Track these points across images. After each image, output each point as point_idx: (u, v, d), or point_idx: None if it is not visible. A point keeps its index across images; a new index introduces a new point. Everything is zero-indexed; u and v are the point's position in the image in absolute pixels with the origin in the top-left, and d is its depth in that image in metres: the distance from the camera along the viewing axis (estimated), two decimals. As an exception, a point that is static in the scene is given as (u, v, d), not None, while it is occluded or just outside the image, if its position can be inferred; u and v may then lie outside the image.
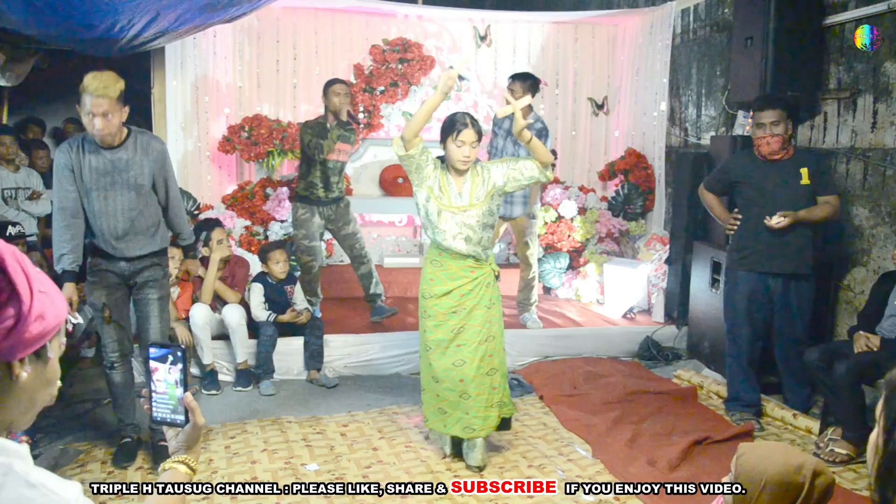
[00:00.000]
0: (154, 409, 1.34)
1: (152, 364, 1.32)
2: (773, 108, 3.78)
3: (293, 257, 5.42)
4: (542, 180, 3.39)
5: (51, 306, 1.01)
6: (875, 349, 3.41)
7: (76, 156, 3.23)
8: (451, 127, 3.29)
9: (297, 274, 5.01)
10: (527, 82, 4.91)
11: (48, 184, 5.33)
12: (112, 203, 3.27)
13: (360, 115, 6.29)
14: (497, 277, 3.50)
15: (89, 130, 3.16)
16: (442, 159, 3.41)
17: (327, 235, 5.87)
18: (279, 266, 4.65)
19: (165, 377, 1.32)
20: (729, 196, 4.12)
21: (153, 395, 1.34)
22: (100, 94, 3.05)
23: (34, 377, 1.01)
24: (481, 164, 3.42)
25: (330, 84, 4.78)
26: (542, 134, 4.87)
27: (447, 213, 3.31)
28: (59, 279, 3.19)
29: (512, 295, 5.98)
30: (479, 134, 3.32)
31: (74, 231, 3.27)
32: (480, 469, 3.40)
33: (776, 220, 3.74)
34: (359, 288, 5.61)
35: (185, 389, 1.33)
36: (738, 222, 3.96)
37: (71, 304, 3.19)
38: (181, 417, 1.33)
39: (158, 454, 3.43)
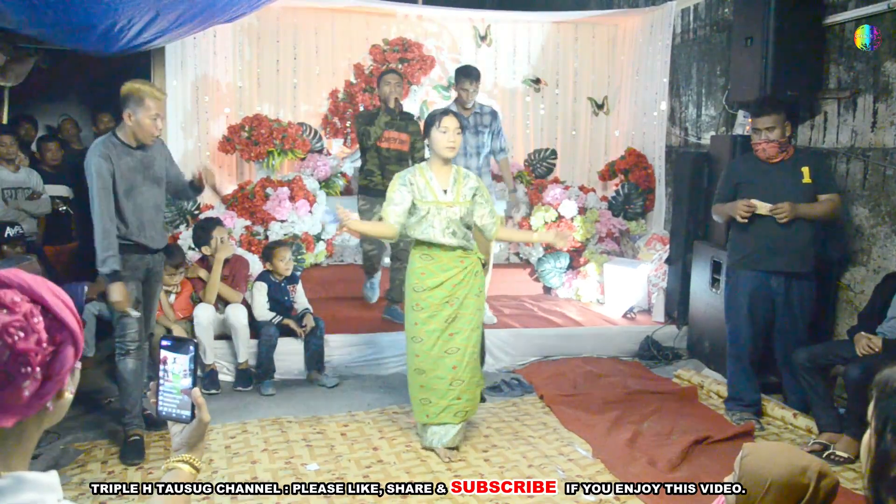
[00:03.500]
0: (160, 402, 1.30)
1: (163, 353, 1.29)
2: (768, 113, 3.77)
3: (296, 257, 5.43)
4: (485, 235, 3.65)
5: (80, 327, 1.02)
6: (876, 350, 3.41)
7: (115, 160, 3.38)
8: (432, 118, 3.51)
9: (299, 273, 5.00)
10: (472, 76, 5.14)
11: (49, 181, 5.32)
12: (143, 198, 3.48)
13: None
14: (484, 265, 3.67)
15: (150, 131, 3.37)
16: (423, 160, 3.62)
17: (329, 235, 5.86)
18: (284, 263, 4.65)
19: (174, 368, 1.28)
20: (733, 199, 4.10)
21: (161, 386, 1.29)
22: (159, 97, 3.33)
23: (54, 409, 1.00)
24: (468, 174, 3.61)
25: (382, 74, 5.03)
26: (495, 117, 5.26)
27: (434, 209, 3.46)
28: (104, 277, 3.38)
29: (512, 294, 5.99)
30: (461, 123, 3.53)
31: (114, 234, 3.38)
32: (456, 449, 3.55)
33: (762, 203, 3.74)
34: (358, 288, 5.60)
35: (194, 384, 1.29)
36: (753, 207, 3.79)
37: (127, 303, 3.40)
38: (187, 413, 1.29)
39: (150, 421, 3.67)
